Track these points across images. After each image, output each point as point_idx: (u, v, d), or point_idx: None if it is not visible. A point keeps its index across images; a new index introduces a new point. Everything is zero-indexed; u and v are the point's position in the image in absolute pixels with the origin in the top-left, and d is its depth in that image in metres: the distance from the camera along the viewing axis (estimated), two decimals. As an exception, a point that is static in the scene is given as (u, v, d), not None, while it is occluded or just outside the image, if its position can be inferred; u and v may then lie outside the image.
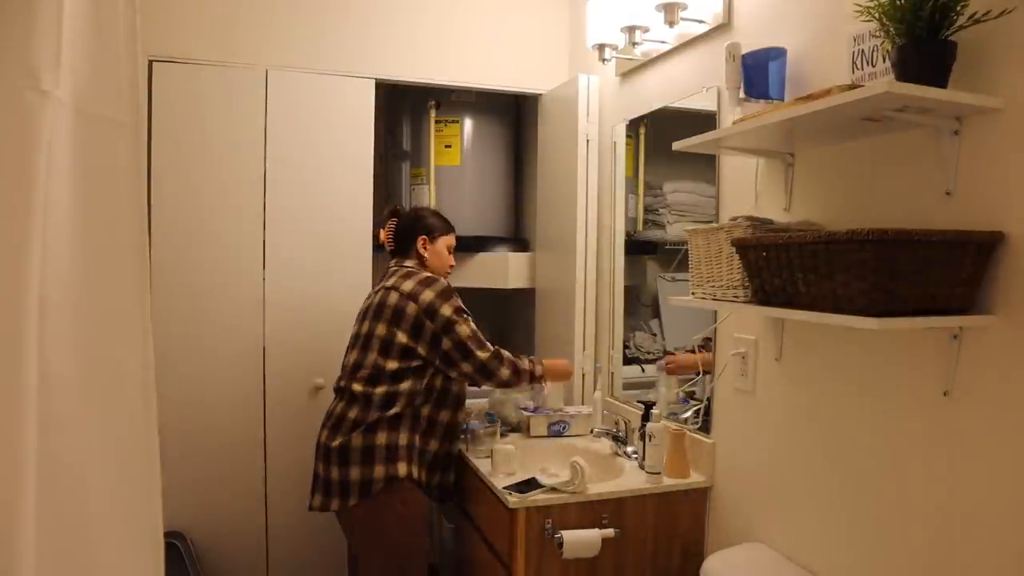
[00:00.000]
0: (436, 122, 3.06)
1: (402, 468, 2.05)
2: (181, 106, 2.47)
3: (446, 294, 2.12)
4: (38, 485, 0.93)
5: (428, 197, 3.06)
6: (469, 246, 3.09)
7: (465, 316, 2.13)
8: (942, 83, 1.21)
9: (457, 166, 3.08)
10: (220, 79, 2.51)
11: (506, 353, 2.17)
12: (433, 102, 3.04)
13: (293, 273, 2.61)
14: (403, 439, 2.08)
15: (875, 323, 1.14)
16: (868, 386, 1.48)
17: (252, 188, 2.55)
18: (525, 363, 2.20)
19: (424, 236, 2.27)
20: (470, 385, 2.21)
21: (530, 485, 1.88)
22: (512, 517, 1.83)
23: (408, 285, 2.12)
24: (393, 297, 2.12)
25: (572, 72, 2.80)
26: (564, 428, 2.43)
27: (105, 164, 1.07)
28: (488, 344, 2.14)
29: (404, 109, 3.16)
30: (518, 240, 3.24)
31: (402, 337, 2.08)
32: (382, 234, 2.35)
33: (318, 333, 2.64)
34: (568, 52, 2.92)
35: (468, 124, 3.10)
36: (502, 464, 2.04)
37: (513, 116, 3.25)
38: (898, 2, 1.21)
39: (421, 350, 2.09)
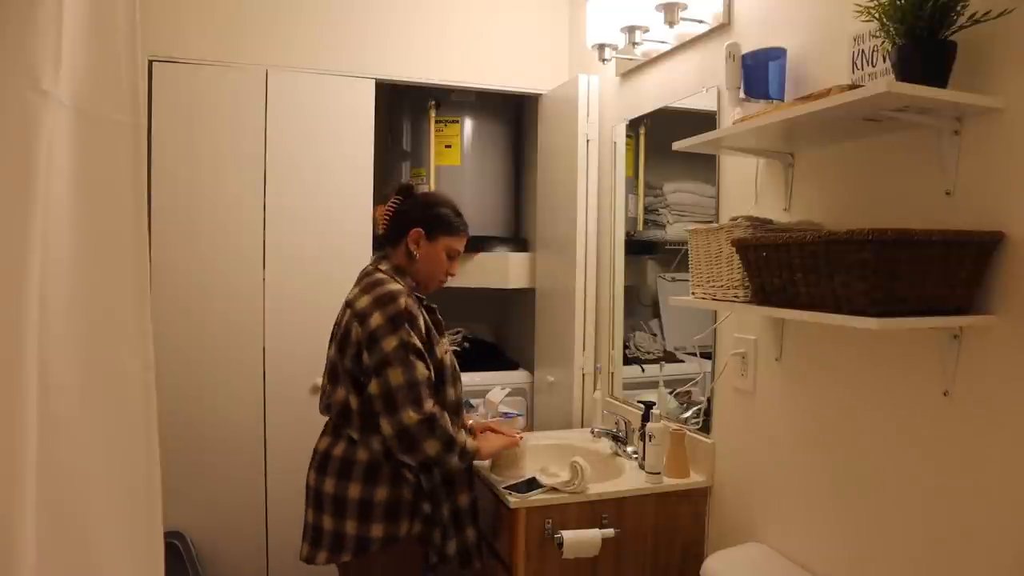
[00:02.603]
0: (436, 122, 3.06)
1: (403, 527, 1.71)
2: (181, 106, 2.47)
3: (396, 321, 1.64)
4: (38, 485, 0.93)
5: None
6: (469, 246, 3.08)
7: (410, 356, 1.63)
8: (942, 83, 1.21)
9: (457, 166, 3.09)
10: (220, 79, 2.51)
11: (443, 422, 1.66)
12: (433, 102, 3.04)
13: (293, 273, 2.61)
14: (406, 492, 1.71)
15: (875, 323, 1.14)
16: (868, 386, 1.48)
17: (252, 188, 2.55)
18: (463, 438, 1.71)
19: (420, 228, 1.79)
20: (382, 450, 1.70)
21: (530, 485, 1.88)
22: (512, 517, 1.83)
23: (362, 302, 1.69)
24: (346, 316, 1.73)
25: (572, 72, 2.79)
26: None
27: (105, 164, 1.08)
28: (427, 403, 1.64)
29: (404, 109, 3.17)
30: (518, 240, 3.24)
31: (349, 364, 1.70)
32: (378, 210, 1.91)
33: (318, 333, 2.60)
34: (568, 52, 2.92)
35: (468, 124, 3.10)
36: (508, 467, 1.98)
37: (513, 116, 3.25)
38: (898, 2, 1.21)
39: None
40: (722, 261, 1.57)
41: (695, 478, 1.99)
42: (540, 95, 2.93)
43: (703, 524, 2.00)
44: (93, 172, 1.06)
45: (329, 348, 1.82)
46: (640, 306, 2.56)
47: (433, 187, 3.06)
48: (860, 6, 1.29)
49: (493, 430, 1.99)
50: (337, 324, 1.79)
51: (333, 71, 2.63)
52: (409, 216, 1.81)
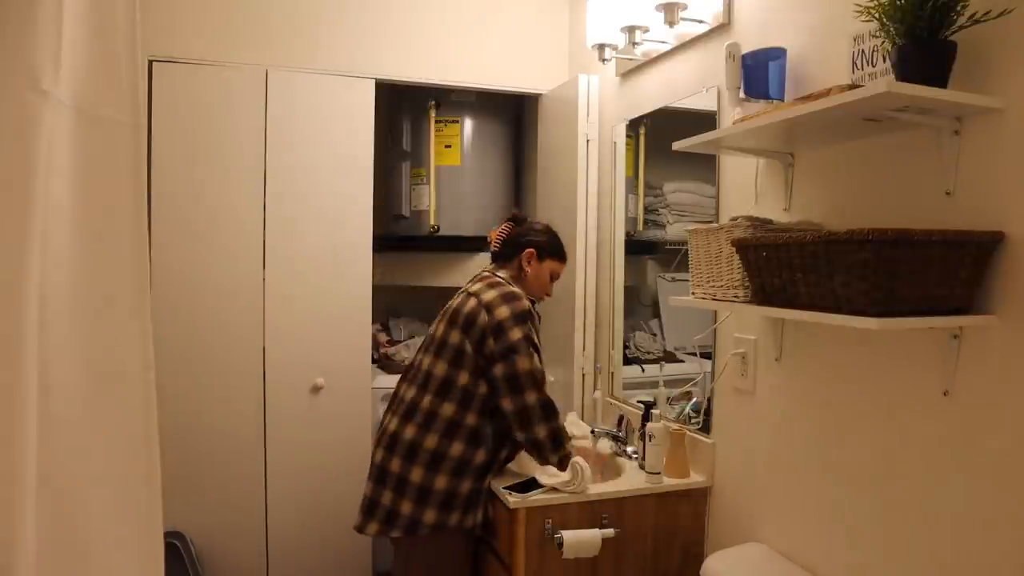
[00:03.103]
0: (436, 122, 3.06)
1: (455, 517, 1.89)
2: (181, 106, 2.47)
3: (522, 317, 1.91)
4: (38, 485, 0.93)
5: (428, 197, 3.06)
6: (469, 246, 3.09)
7: (531, 350, 1.91)
8: (942, 83, 1.21)
9: (457, 166, 3.09)
10: (220, 79, 2.51)
11: (557, 416, 1.94)
12: (433, 102, 3.04)
13: (293, 273, 2.61)
14: (466, 486, 1.90)
15: (875, 323, 1.14)
16: (868, 386, 1.48)
17: (252, 188, 2.55)
18: (568, 443, 1.96)
19: (533, 250, 2.08)
20: (473, 426, 1.91)
21: (530, 485, 1.88)
22: (512, 517, 1.83)
23: (489, 295, 1.94)
24: (471, 304, 1.94)
25: (572, 72, 2.79)
26: None
27: (105, 164, 1.07)
28: (544, 390, 1.91)
29: (404, 109, 3.16)
30: (518, 240, 3.23)
31: (470, 348, 1.90)
32: (492, 233, 2.19)
33: (318, 333, 2.64)
34: (568, 52, 2.92)
35: (468, 124, 3.10)
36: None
37: (513, 116, 3.25)
38: (898, 2, 1.21)
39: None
40: (722, 261, 1.57)
41: (695, 478, 1.99)
42: (540, 95, 2.93)
43: (703, 524, 2.00)
44: (93, 172, 1.06)
45: (436, 327, 2.02)
46: (640, 306, 2.56)
47: (433, 187, 3.06)
48: (860, 6, 1.29)
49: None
50: (453, 309, 1.98)
51: (333, 71, 2.63)
52: (525, 239, 2.11)
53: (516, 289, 1.99)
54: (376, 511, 1.91)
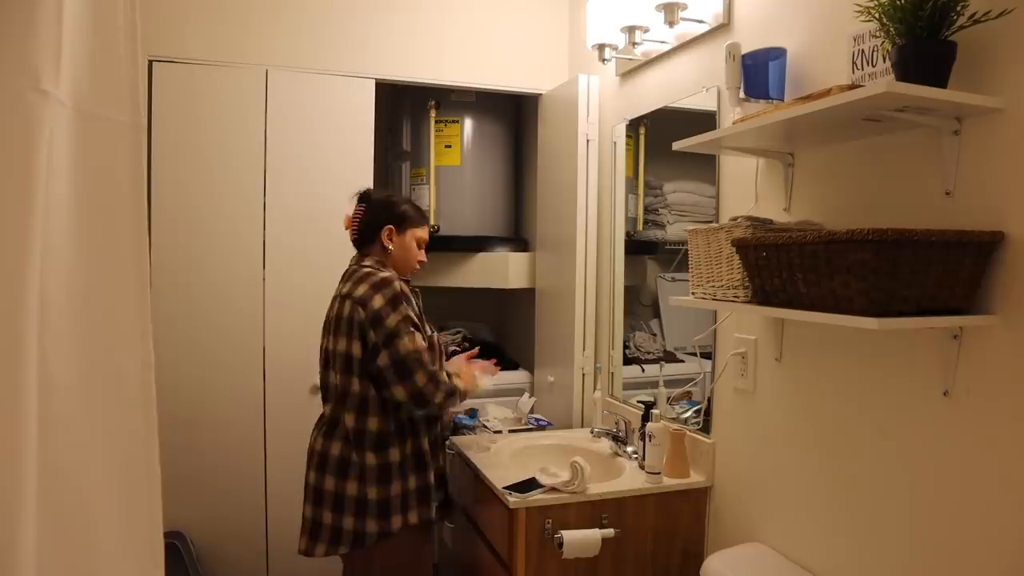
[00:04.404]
0: (436, 122, 3.06)
1: (397, 521, 1.88)
2: (181, 106, 2.47)
3: (395, 301, 1.86)
4: (38, 485, 0.93)
5: (428, 197, 3.06)
6: (469, 246, 3.09)
7: (411, 329, 1.86)
8: (942, 83, 1.21)
9: (457, 166, 3.09)
10: (220, 79, 2.51)
11: (441, 376, 1.90)
12: (433, 102, 3.04)
13: (293, 273, 2.61)
14: (396, 488, 1.89)
15: (875, 323, 1.14)
16: (868, 386, 1.48)
17: (252, 188, 2.55)
18: (454, 383, 1.93)
19: (391, 226, 2.00)
20: (396, 410, 1.91)
21: (530, 485, 1.88)
22: (512, 517, 1.83)
23: (360, 290, 1.88)
24: (347, 306, 1.88)
25: (572, 72, 2.80)
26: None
27: (105, 164, 1.07)
28: (429, 365, 1.86)
29: (404, 109, 3.17)
30: (518, 240, 3.24)
31: (357, 350, 1.86)
32: (346, 220, 2.06)
33: (318, 333, 2.62)
34: (568, 52, 2.92)
35: (468, 124, 3.10)
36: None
37: (513, 116, 3.25)
38: (898, 2, 1.21)
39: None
40: (722, 261, 1.57)
41: (695, 478, 1.99)
42: (540, 95, 2.93)
43: (703, 524, 2.00)
44: (93, 172, 1.05)
45: (324, 340, 1.99)
46: (640, 306, 2.56)
47: (433, 187, 3.06)
48: (860, 6, 1.29)
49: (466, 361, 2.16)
50: (333, 318, 1.94)
51: (333, 71, 2.63)
52: (377, 218, 2.02)
53: (385, 274, 1.91)
54: (320, 532, 1.89)
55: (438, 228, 3.05)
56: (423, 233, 2.07)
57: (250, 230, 2.56)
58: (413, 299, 1.96)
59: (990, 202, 1.23)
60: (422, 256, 2.08)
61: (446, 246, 3.07)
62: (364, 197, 2.06)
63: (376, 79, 2.68)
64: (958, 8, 1.18)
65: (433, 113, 3.05)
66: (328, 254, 2.64)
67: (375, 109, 2.69)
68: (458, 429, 2.53)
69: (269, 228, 2.58)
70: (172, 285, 2.45)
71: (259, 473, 2.58)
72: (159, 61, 2.44)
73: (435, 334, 2.02)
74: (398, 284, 1.90)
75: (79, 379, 1.03)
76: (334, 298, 1.98)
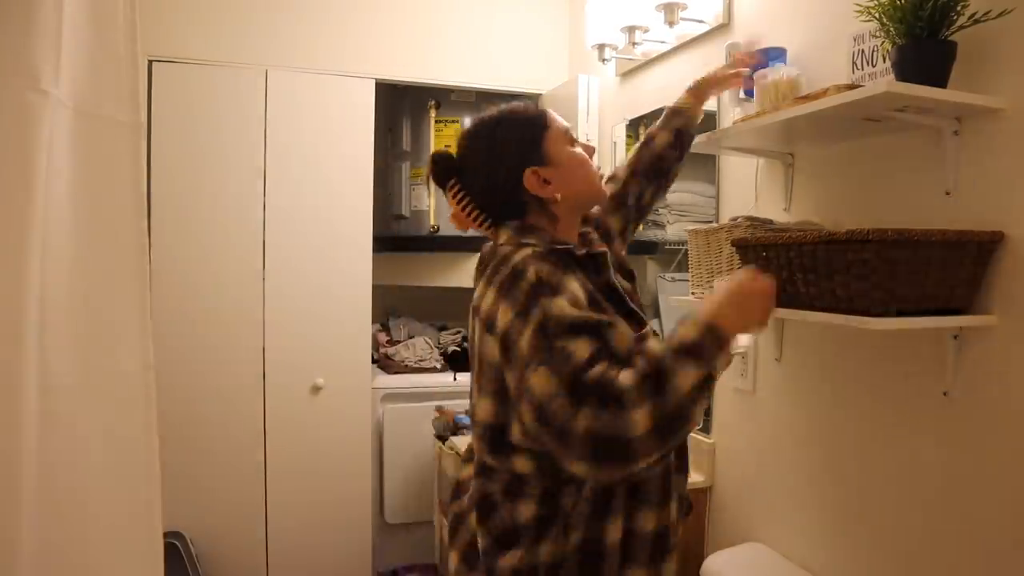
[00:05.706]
0: (436, 122, 3.06)
1: None
2: (181, 106, 2.47)
3: (527, 306, 1.06)
4: (38, 485, 0.93)
5: (428, 197, 3.06)
6: (470, 246, 3.08)
7: (559, 343, 1.01)
8: (942, 83, 1.21)
9: (457, 166, 3.08)
10: (220, 79, 2.51)
11: (622, 384, 0.97)
12: (433, 102, 3.04)
13: (293, 273, 2.61)
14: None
15: (875, 323, 1.15)
16: (868, 386, 1.48)
17: (252, 188, 2.55)
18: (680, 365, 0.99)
19: (524, 167, 1.21)
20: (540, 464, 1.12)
21: (530, 485, 1.87)
22: (512, 517, 1.83)
23: (486, 302, 1.13)
24: (477, 327, 1.18)
25: (572, 72, 2.79)
26: None
27: (105, 164, 1.08)
28: (591, 398, 0.97)
29: (404, 109, 3.16)
30: (518, 240, 3.23)
31: (496, 383, 1.14)
32: (451, 215, 1.33)
33: (318, 333, 2.64)
34: (568, 52, 2.92)
35: (468, 124, 3.09)
36: None
37: (513, 116, 3.24)
38: (898, 2, 1.21)
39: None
40: (722, 261, 1.57)
41: (695, 478, 1.99)
42: (540, 95, 2.92)
43: (703, 524, 2.00)
44: (93, 172, 1.06)
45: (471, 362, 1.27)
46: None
47: (433, 187, 3.04)
48: (860, 6, 1.29)
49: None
50: (472, 339, 1.24)
51: (333, 71, 2.63)
52: (497, 177, 1.25)
53: (517, 257, 1.13)
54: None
55: (438, 228, 3.05)
56: (562, 128, 1.26)
57: (250, 230, 2.56)
58: (580, 268, 1.17)
59: (990, 202, 1.23)
60: (591, 161, 1.27)
61: (446, 246, 3.07)
62: (442, 163, 1.31)
63: (376, 79, 2.68)
64: (958, 8, 1.18)
65: (433, 113, 3.05)
66: (328, 254, 2.64)
67: (375, 109, 2.69)
68: (458, 429, 2.53)
69: (269, 228, 2.58)
70: (172, 285, 2.45)
71: (259, 473, 2.58)
72: (159, 61, 2.44)
73: (638, 307, 1.25)
74: (532, 271, 1.09)
75: (79, 379, 1.03)
76: (471, 309, 1.23)
